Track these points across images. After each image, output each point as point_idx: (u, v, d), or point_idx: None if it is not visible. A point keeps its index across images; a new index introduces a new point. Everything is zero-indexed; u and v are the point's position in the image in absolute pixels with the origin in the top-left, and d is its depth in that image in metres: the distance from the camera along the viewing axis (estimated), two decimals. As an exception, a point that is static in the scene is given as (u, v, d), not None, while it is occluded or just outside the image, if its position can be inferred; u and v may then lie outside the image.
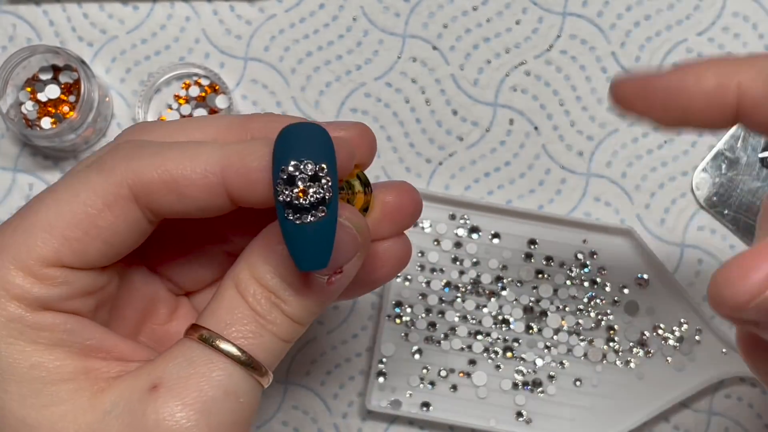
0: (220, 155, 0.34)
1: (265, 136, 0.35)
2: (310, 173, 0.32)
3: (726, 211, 0.55)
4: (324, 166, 0.32)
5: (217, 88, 0.56)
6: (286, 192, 0.32)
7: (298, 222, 0.32)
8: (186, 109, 0.56)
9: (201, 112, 0.56)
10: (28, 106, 0.55)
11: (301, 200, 0.32)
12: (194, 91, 0.57)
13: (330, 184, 0.32)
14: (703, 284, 0.55)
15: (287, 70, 0.57)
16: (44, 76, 0.56)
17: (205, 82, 0.57)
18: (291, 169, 0.32)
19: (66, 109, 0.55)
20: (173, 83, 0.57)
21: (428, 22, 0.57)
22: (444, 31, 0.57)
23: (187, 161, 0.34)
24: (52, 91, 0.55)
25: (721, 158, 0.56)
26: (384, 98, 0.57)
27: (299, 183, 0.32)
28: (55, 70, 0.56)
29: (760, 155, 0.56)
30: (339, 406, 0.56)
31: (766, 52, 0.38)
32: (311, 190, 0.32)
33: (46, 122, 0.55)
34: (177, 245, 0.40)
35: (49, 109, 0.55)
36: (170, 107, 0.57)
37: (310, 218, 0.32)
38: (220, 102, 0.56)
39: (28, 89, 0.55)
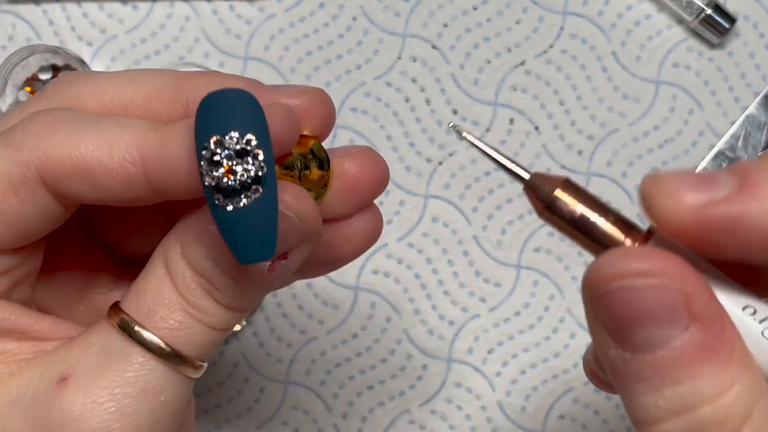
0: (140, 140, 0.30)
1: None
2: (235, 147, 0.27)
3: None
4: (252, 137, 0.27)
5: (216, 87, 0.56)
6: (212, 173, 0.27)
7: (229, 208, 0.27)
8: (186, 108, 0.56)
9: (201, 111, 0.56)
10: (28, 106, 0.55)
11: (228, 181, 0.27)
12: (194, 91, 0.56)
13: (262, 158, 0.27)
14: (703, 284, 0.55)
15: (287, 69, 0.57)
16: (44, 76, 0.55)
17: (204, 81, 0.57)
18: (212, 146, 0.27)
19: (65, 108, 0.55)
20: (173, 83, 0.57)
21: (428, 21, 0.57)
22: (444, 31, 0.57)
23: (105, 146, 0.30)
24: (51, 91, 0.55)
25: (721, 158, 0.56)
26: (384, 98, 0.57)
27: (224, 160, 0.27)
28: (55, 69, 0.56)
29: (761, 155, 0.55)
30: (339, 406, 0.55)
31: None
32: (239, 168, 0.27)
33: (45, 122, 0.55)
34: (116, 209, 0.36)
35: (49, 108, 0.55)
36: (170, 107, 0.56)
37: (243, 201, 0.27)
38: (220, 101, 0.56)
39: (28, 89, 0.55)
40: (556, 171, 0.56)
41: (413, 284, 0.56)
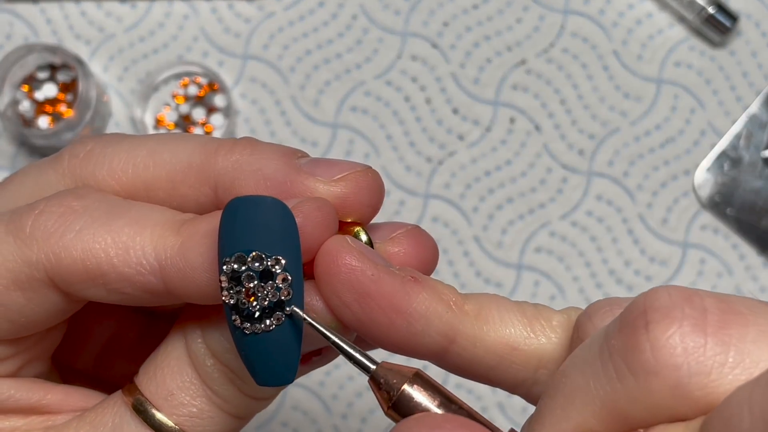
0: (158, 245, 0.27)
1: (216, 211, 0.28)
2: (259, 269, 0.25)
3: (728, 211, 0.55)
4: (280, 258, 0.25)
5: (215, 86, 0.56)
6: (231, 292, 0.25)
7: (247, 332, 0.25)
8: (184, 107, 0.56)
9: (199, 110, 0.56)
10: (25, 105, 0.55)
11: (248, 304, 0.25)
12: (193, 90, 0.56)
13: (290, 281, 0.25)
14: (705, 284, 0.55)
15: (286, 68, 0.57)
16: (41, 75, 0.55)
17: (203, 80, 0.56)
18: (234, 263, 0.25)
19: (63, 108, 0.55)
20: (171, 82, 0.57)
21: (428, 20, 0.57)
22: (444, 30, 0.57)
23: (120, 249, 0.27)
24: (49, 90, 0.55)
25: (723, 157, 0.55)
26: (384, 97, 0.56)
27: (246, 282, 0.25)
28: (53, 68, 0.55)
29: (763, 154, 0.55)
30: (338, 406, 0.55)
31: None
32: (261, 292, 0.25)
33: (43, 121, 0.55)
34: None
35: (47, 108, 0.55)
36: (168, 106, 0.56)
37: (262, 327, 0.25)
38: (219, 100, 0.56)
39: (25, 88, 0.55)
40: (557, 171, 0.56)
41: (413, 284, 0.55)
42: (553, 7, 0.57)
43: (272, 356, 0.26)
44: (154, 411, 0.28)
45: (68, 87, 0.55)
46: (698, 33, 0.57)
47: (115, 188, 0.29)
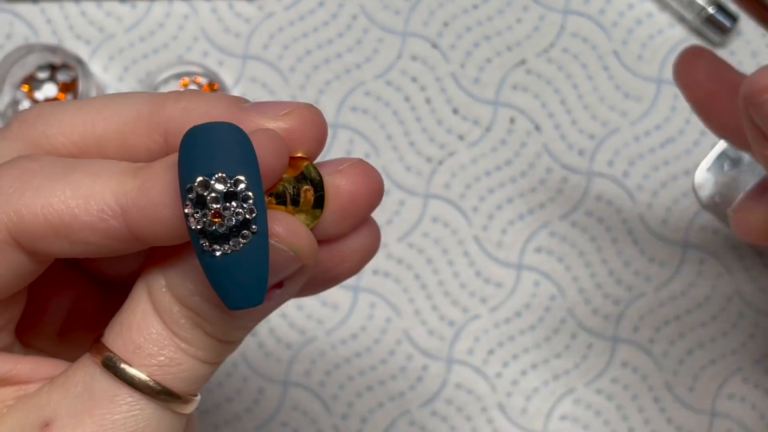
0: (117, 189, 0.27)
1: (171, 154, 0.28)
2: (223, 190, 0.26)
3: (728, 211, 0.55)
4: (241, 177, 0.26)
5: (215, 86, 0.56)
6: (197, 217, 0.26)
7: (217, 253, 0.26)
8: (184, 107, 0.56)
9: (199, 110, 0.56)
10: (25, 105, 0.55)
11: (215, 225, 0.26)
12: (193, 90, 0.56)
13: (253, 199, 0.26)
14: (705, 285, 0.55)
15: (286, 68, 0.57)
16: (41, 75, 0.55)
17: (203, 80, 0.56)
18: (198, 188, 0.26)
19: (63, 107, 0.55)
20: (171, 82, 0.57)
21: (428, 20, 0.57)
22: (444, 29, 0.57)
23: (80, 198, 0.27)
24: (49, 90, 0.55)
25: (723, 157, 0.55)
26: (384, 97, 0.57)
27: (211, 203, 0.26)
28: (53, 68, 0.55)
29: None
30: (338, 407, 0.55)
31: None
32: (227, 212, 0.26)
33: (43, 121, 0.55)
34: None
35: (47, 107, 0.55)
36: (168, 106, 0.56)
37: (231, 247, 0.26)
38: (219, 101, 0.56)
39: (25, 88, 0.55)
40: (557, 171, 0.56)
41: (413, 284, 0.55)
42: (553, 7, 0.57)
43: (242, 277, 0.26)
44: (124, 365, 0.28)
45: (68, 87, 0.55)
46: (698, 33, 0.57)
47: (66, 144, 0.30)
